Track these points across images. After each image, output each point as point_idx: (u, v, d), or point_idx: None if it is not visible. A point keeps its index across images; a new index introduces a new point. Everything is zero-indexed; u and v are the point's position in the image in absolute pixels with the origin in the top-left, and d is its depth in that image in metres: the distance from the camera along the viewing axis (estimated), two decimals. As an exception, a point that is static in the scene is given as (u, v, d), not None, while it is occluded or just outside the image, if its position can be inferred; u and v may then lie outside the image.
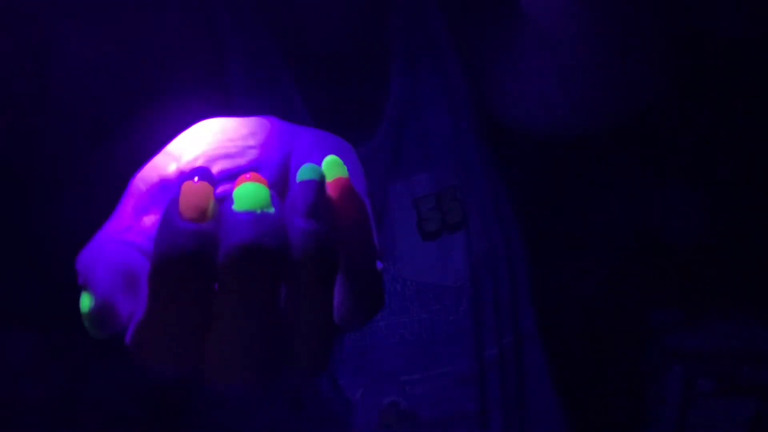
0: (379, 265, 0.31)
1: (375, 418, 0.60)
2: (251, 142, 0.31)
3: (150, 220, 0.30)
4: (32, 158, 0.56)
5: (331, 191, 0.29)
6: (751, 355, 0.78)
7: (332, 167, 0.29)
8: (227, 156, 0.30)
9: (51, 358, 0.59)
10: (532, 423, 0.65)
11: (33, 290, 0.57)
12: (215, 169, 0.30)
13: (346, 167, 0.30)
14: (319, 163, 0.30)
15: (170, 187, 0.30)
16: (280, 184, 0.32)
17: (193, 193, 0.27)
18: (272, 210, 0.27)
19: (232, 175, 0.31)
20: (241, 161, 0.31)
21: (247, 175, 0.28)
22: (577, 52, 0.52)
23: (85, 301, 0.28)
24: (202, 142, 0.31)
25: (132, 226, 0.30)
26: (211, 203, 0.27)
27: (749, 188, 0.80)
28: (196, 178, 0.28)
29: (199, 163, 0.30)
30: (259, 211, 0.27)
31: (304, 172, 0.29)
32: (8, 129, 0.58)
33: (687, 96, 0.63)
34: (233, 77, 0.57)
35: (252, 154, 0.31)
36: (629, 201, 0.77)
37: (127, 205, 0.30)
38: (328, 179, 0.29)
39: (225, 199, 0.28)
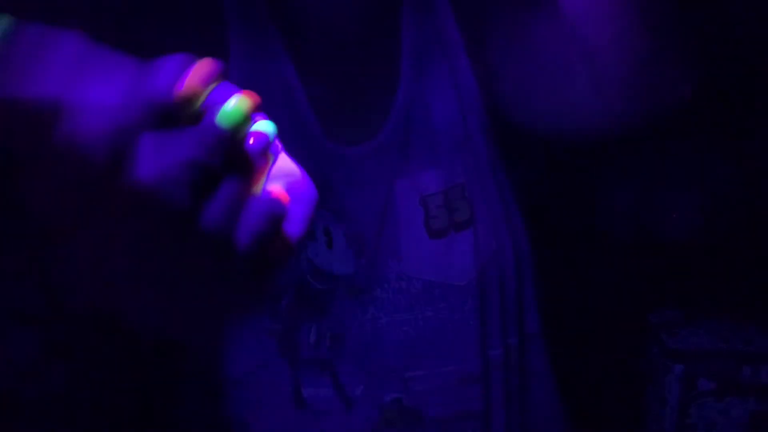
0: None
1: (376, 415, 0.60)
2: None
3: None
4: (33, 157, 0.56)
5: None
6: (751, 355, 0.78)
7: None
8: None
9: (51, 358, 0.59)
10: (534, 423, 0.65)
11: (33, 289, 0.57)
12: None
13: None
14: None
15: None
16: None
17: (196, 74, 0.31)
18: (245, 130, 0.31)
19: None
20: None
21: (241, 94, 0.32)
22: (614, 56, 0.52)
23: None
24: None
25: None
26: (203, 92, 0.31)
27: (750, 188, 0.80)
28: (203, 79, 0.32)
29: None
30: (231, 128, 0.31)
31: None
32: (8, 127, 0.57)
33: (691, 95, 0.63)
34: (232, 69, 0.57)
35: None
36: (631, 201, 0.77)
37: None
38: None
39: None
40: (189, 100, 0.31)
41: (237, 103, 0.31)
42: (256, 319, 0.59)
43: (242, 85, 0.56)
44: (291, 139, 0.46)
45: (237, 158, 0.32)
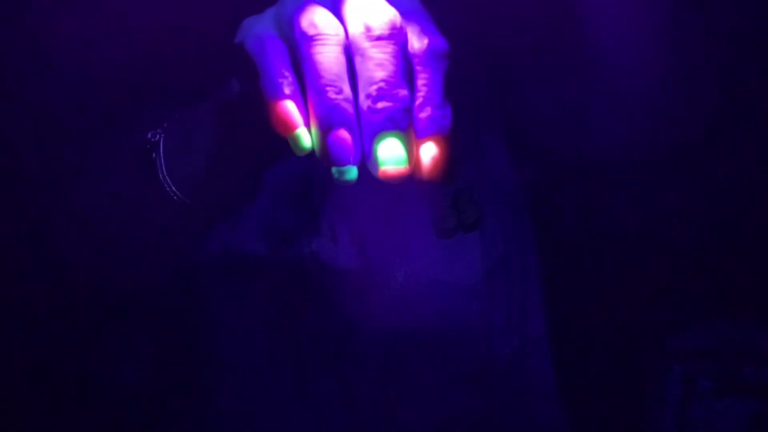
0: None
1: (379, 411, 0.60)
2: None
3: None
4: (37, 155, 0.56)
5: None
6: (752, 355, 0.78)
7: None
8: None
9: (54, 358, 0.58)
10: (536, 424, 0.65)
11: (36, 288, 0.56)
12: None
13: None
14: None
15: None
16: None
17: None
18: None
19: None
20: None
21: None
22: (637, 84, 0.53)
23: None
24: None
25: None
26: None
27: (750, 188, 0.80)
28: None
29: None
30: None
31: None
32: (7, 124, 0.57)
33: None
34: None
35: None
36: (635, 204, 0.77)
37: None
38: None
39: None
40: None
41: None
42: (259, 313, 0.59)
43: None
44: None
45: None
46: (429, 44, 0.39)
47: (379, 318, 0.59)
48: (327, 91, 0.37)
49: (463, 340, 0.59)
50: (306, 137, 0.38)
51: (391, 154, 0.37)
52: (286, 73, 0.38)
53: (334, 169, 0.38)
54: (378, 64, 0.37)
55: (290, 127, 0.38)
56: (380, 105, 0.37)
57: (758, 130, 0.77)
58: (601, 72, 0.54)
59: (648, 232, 0.81)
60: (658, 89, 0.54)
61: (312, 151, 0.59)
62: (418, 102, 0.39)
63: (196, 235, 0.53)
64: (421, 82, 0.39)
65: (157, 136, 0.47)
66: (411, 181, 0.38)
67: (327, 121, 0.37)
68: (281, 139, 0.43)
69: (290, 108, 0.38)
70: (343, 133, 0.37)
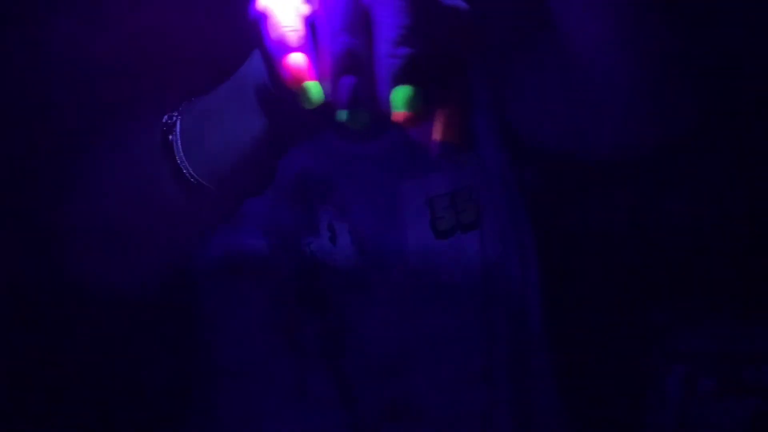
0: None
1: (379, 411, 0.60)
2: None
3: None
4: (34, 156, 0.56)
5: None
6: (752, 355, 0.78)
7: None
8: None
9: (52, 356, 0.58)
10: (536, 423, 0.65)
11: (34, 289, 0.57)
12: None
13: None
14: None
15: None
16: None
17: None
18: None
19: None
20: None
21: None
22: (612, 80, 0.52)
23: None
24: None
25: None
26: None
27: (750, 188, 0.80)
28: None
29: None
30: None
31: None
32: (8, 125, 0.57)
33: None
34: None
35: None
36: (634, 204, 0.77)
37: None
38: None
39: None
40: None
41: None
42: (259, 313, 0.59)
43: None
44: None
45: None
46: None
47: (379, 318, 0.59)
48: (341, 35, 0.36)
49: (462, 341, 0.60)
50: (316, 88, 0.37)
51: (408, 99, 0.35)
52: (298, 25, 0.38)
53: (344, 114, 0.37)
54: (398, 10, 0.36)
55: (300, 78, 0.37)
56: (400, 50, 0.35)
57: (751, 131, 0.77)
58: (581, 73, 0.54)
59: (648, 232, 0.81)
60: (638, 90, 0.54)
61: (315, 152, 0.60)
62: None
63: (212, 221, 0.52)
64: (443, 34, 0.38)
65: (174, 118, 0.46)
66: (424, 138, 0.37)
67: (341, 63, 0.36)
68: (299, 122, 0.42)
69: (300, 58, 0.37)
70: (357, 76, 0.36)
